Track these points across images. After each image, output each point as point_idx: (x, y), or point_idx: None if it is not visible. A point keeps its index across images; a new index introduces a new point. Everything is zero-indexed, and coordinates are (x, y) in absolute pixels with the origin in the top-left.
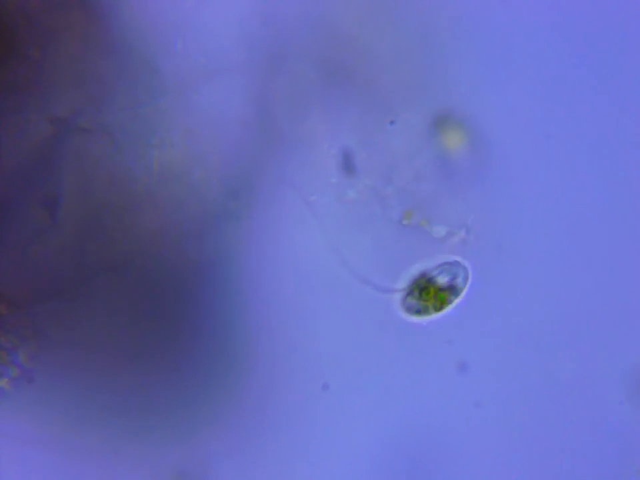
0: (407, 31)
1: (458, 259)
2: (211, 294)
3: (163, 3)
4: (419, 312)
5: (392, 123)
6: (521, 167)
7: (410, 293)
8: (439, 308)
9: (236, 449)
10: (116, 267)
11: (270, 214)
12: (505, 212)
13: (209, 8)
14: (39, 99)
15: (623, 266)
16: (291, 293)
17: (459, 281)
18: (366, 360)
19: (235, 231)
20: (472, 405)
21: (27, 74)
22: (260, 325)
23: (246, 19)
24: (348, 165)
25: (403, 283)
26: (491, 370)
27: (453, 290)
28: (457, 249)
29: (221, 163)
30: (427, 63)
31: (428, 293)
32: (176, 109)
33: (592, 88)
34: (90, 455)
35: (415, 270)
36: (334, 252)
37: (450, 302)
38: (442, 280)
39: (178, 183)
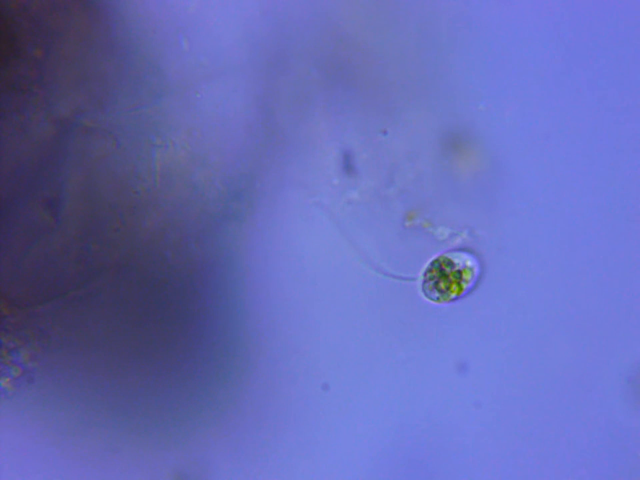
0: (411, 31)
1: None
2: (212, 294)
3: (165, 3)
4: (438, 297)
5: (385, 133)
6: (522, 169)
7: (431, 277)
8: (455, 290)
9: (236, 449)
10: (118, 267)
11: (272, 215)
12: (505, 213)
13: (212, 8)
14: (41, 99)
15: (623, 267)
16: (292, 293)
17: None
18: (366, 360)
19: (237, 232)
20: (472, 405)
21: (29, 74)
22: (261, 325)
23: (249, 19)
24: (349, 166)
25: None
26: (491, 370)
27: (466, 272)
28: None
29: (224, 164)
30: (430, 63)
31: (445, 275)
32: (179, 109)
33: (594, 92)
34: (90, 455)
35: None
36: (351, 247)
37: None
38: (457, 264)
39: (180, 183)
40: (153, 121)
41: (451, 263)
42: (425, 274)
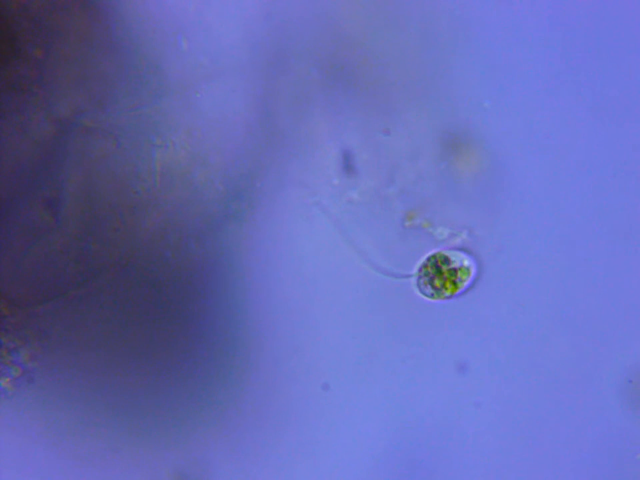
0: (410, 31)
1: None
2: (212, 294)
3: (166, 3)
4: (432, 293)
5: (387, 133)
6: (522, 169)
7: (426, 273)
8: (450, 288)
9: (236, 449)
10: (118, 267)
11: (272, 215)
12: (505, 214)
13: (212, 8)
14: (41, 99)
15: (623, 268)
16: (292, 293)
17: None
18: (366, 360)
19: (237, 232)
20: (472, 404)
21: (30, 74)
22: (261, 325)
23: (249, 19)
24: (349, 166)
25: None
26: (491, 370)
27: (462, 272)
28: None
29: (224, 164)
30: (430, 63)
31: (440, 272)
32: (179, 110)
33: (595, 92)
34: (90, 455)
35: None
36: (348, 245)
37: (456, 284)
38: (454, 262)
39: (180, 183)
40: (153, 121)
41: (447, 260)
42: (420, 269)
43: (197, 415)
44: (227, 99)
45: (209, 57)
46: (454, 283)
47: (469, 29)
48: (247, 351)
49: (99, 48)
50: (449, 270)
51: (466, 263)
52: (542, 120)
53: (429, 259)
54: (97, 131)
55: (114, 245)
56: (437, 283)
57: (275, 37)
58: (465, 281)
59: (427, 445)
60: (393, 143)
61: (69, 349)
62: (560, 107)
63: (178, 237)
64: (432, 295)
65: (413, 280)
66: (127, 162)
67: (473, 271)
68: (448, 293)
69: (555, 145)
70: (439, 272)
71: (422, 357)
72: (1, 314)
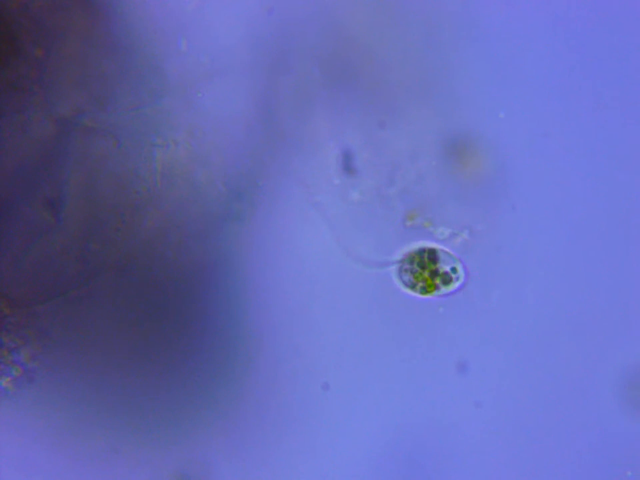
0: (412, 31)
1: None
2: (213, 294)
3: (166, 2)
4: (409, 286)
5: (382, 126)
6: (523, 169)
7: (409, 263)
8: (426, 290)
9: (237, 448)
10: (119, 267)
11: (273, 214)
12: (505, 212)
13: (213, 8)
14: (42, 99)
15: (624, 268)
16: (293, 293)
17: (453, 275)
18: (366, 360)
19: (238, 232)
20: (472, 404)
21: (30, 73)
22: (261, 325)
23: (250, 18)
24: (350, 165)
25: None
26: (491, 370)
27: (444, 278)
28: (460, 247)
29: (225, 163)
30: (432, 63)
31: (423, 269)
32: (179, 109)
33: (596, 94)
34: (90, 455)
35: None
36: (340, 247)
37: (437, 289)
38: (442, 265)
39: (181, 183)
40: (153, 121)
41: (435, 259)
42: (408, 259)
43: (197, 414)
44: (228, 99)
45: (210, 56)
46: (433, 285)
47: (471, 28)
48: (247, 350)
49: (99, 48)
50: (432, 271)
51: (456, 268)
52: (543, 120)
53: (419, 253)
54: (97, 131)
55: (114, 244)
56: (417, 278)
57: (276, 36)
58: (447, 286)
59: (426, 445)
60: (394, 143)
61: (69, 348)
62: (561, 108)
63: (179, 237)
64: (409, 285)
65: (396, 266)
66: (128, 162)
67: (460, 276)
68: (426, 291)
69: (556, 144)
70: (422, 269)
71: (422, 357)
72: (1, 314)
